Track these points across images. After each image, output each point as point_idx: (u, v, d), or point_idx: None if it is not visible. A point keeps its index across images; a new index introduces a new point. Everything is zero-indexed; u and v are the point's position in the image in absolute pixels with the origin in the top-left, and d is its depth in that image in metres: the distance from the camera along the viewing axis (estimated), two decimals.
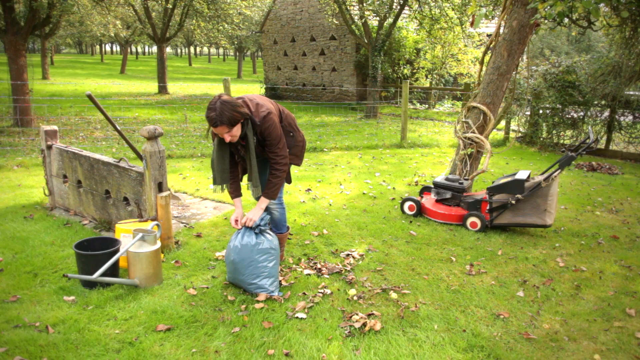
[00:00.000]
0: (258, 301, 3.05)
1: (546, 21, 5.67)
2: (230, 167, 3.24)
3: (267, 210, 3.49)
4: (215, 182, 3.24)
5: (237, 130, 2.94)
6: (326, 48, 17.02)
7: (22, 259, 3.56)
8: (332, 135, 10.22)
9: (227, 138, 2.93)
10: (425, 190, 5.36)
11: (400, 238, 4.30)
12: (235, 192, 3.32)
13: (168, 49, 69.43)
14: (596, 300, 3.23)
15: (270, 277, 3.15)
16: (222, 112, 2.80)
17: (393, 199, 5.56)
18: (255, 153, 3.11)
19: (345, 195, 5.66)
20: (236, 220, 3.25)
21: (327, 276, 3.47)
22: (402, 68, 15.83)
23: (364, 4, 12.71)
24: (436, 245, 4.16)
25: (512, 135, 10.16)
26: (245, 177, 3.40)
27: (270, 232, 3.23)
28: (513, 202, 4.37)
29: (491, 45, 5.19)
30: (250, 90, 22.62)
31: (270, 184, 3.18)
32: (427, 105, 16.18)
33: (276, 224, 3.64)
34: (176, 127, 10.84)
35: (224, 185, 3.26)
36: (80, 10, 14.50)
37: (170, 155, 7.73)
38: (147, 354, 2.50)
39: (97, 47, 61.99)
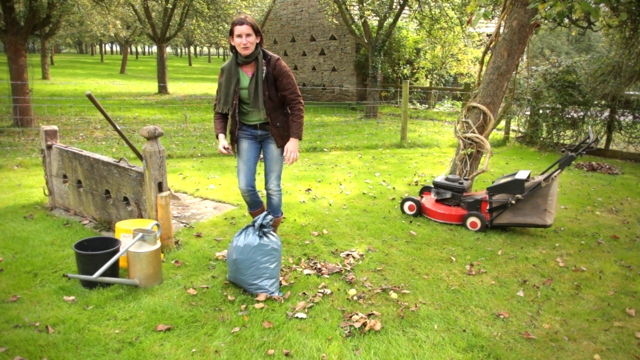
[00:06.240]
0: (258, 301, 3.05)
1: (546, 21, 5.67)
2: (232, 98, 3.49)
3: (268, 198, 3.81)
4: (219, 104, 3.56)
5: (254, 41, 3.32)
6: (326, 48, 17.02)
7: (22, 259, 3.56)
8: (332, 135, 10.22)
9: (243, 41, 3.26)
10: (425, 190, 5.36)
11: (400, 238, 4.30)
12: (222, 129, 3.63)
13: (168, 49, 69.43)
14: (596, 300, 3.23)
15: (271, 278, 3.15)
16: (249, 18, 3.31)
17: (393, 199, 5.56)
18: (264, 98, 3.43)
19: (345, 195, 5.66)
20: (225, 147, 3.55)
21: (327, 276, 3.47)
22: (402, 68, 15.84)
23: (364, 4, 12.71)
24: (436, 245, 4.16)
25: (512, 135, 10.16)
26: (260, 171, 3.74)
27: (274, 233, 3.23)
28: (513, 202, 4.37)
29: (491, 45, 5.19)
30: None
31: (295, 124, 3.56)
32: (427, 105, 16.19)
33: (274, 209, 3.89)
34: (176, 127, 10.84)
35: (228, 107, 3.50)
36: (80, 10, 14.50)
37: (170, 155, 7.74)
38: (147, 354, 2.50)
39: (97, 47, 62.01)
